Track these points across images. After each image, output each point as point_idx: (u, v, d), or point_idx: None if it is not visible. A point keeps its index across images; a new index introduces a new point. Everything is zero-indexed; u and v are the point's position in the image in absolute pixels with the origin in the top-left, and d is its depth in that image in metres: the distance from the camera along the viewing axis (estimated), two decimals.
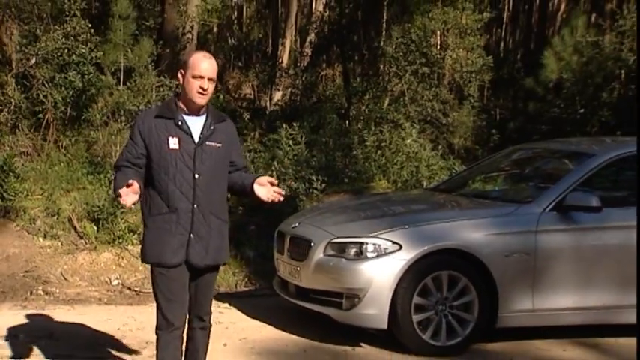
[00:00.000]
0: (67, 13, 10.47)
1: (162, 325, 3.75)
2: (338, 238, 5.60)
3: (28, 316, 6.02)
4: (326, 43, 17.59)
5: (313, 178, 9.66)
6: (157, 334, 3.79)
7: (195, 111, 3.76)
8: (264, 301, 6.27)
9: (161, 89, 10.34)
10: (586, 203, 5.71)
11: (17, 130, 10.13)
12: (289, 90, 16.35)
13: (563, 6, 21.69)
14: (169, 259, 3.70)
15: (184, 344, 3.88)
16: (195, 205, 3.69)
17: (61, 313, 6.17)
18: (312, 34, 17.08)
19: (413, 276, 5.36)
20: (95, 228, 7.94)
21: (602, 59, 13.89)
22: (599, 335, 5.92)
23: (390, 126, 12.03)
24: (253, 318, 6.01)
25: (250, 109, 15.20)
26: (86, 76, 10.15)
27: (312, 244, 5.64)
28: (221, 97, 14.64)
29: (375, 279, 5.33)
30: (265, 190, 3.81)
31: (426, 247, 5.41)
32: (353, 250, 5.48)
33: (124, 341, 5.44)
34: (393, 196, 8.19)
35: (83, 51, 10.14)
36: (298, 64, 17.19)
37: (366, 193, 9.75)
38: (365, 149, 11.22)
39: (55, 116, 10.24)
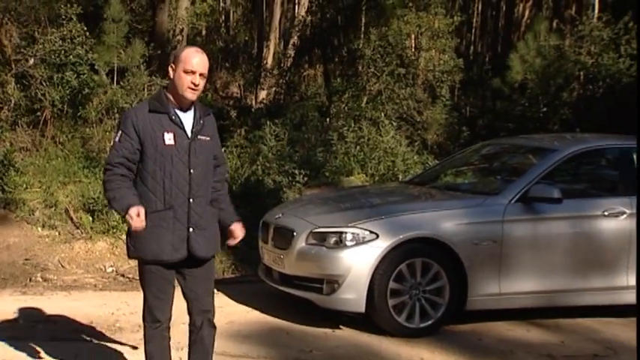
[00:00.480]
0: (64, 16, 10.47)
1: (148, 319, 3.58)
2: (319, 228, 5.59)
3: (28, 301, 5.98)
4: (308, 45, 17.57)
5: (296, 171, 9.65)
6: (144, 324, 3.63)
7: (186, 106, 3.53)
8: (249, 287, 6.25)
9: (152, 88, 10.33)
10: (548, 195, 5.74)
11: (17, 127, 10.11)
12: (273, 89, 16.34)
13: (527, 12, 21.84)
14: (170, 256, 3.46)
15: (190, 346, 3.68)
16: (190, 199, 3.48)
17: (59, 299, 6.14)
18: (295, 37, 17.04)
19: (389, 263, 5.37)
20: (90, 218, 7.93)
21: (563, 62, 13.98)
22: (560, 316, 5.96)
23: (368, 123, 12.02)
24: (239, 303, 5.99)
25: (237, 107, 15.19)
26: (82, 76, 10.14)
27: (294, 233, 5.63)
28: (209, 95, 14.59)
29: (353, 266, 5.34)
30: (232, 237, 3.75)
31: (401, 236, 5.42)
32: (333, 239, 5.47)
33: (118, 325, 5.41)
34: (370, 188, 8.19)
35: (79, 52, 10.14)
36: (282, 65, 17.15)
37: (346, 185, 9.76)
38: (344, 145, 11.22)
39: (53, 114, 10.24)
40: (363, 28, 16.01)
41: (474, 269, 5.52)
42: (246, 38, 22.29)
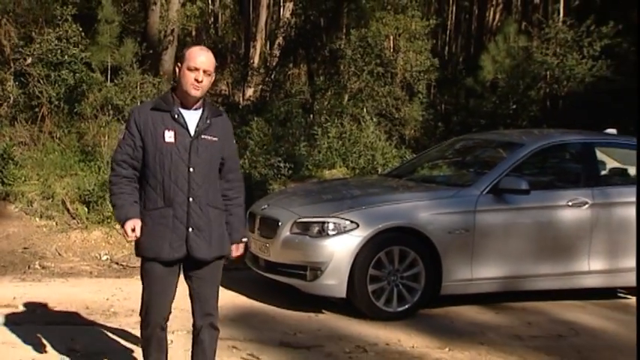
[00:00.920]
0: (60, 17, 10.48)
1: (145, 317, 3.40)
2: (303, 218, 5.58)
3: (27, 287, 5.94)
4: (292, 46, 17.49)
5: (281, 165, 9.65)
6: (141, 323, 3.45)
7: (190, 104, 3.32)
8: (237, 274, 6.23)
9: (145, 86, 10.33)
10: (517, 186, 5.77)
11: (16, 123, 10.09)
12: (260, 87, 16.28)
13: (497, 16, 21.89)
14: (168, 255, 3.28)
15: (192, 347, 3.50)
16: (190, 198, 3.27)
17: (56, 285, 6.10)
18: (280, 38, 16.98)
19: (368, 251, 5.38)
20: (86, 209, 7.90)
21: (531, 62, 14.05)
22: (527, 300, 6.01)
23: (349, 119, 12.04)
24: (228, 289, 5.96)
25: (225, 104, 15.13)
26: (77, 74, 10.15)
27: (279, 223, 5.62)
28: None
29: (335, 254, 5.34)
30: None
31: (380, 226, 5.43)
32: (316, 229, 5.47)
33: (112, 309, 5.38)
34: (351, 180, 8.19)
35: (74, 52, 10.13)
36: (268, 64, 17.09)
37: (328, 178, 9.76)
38: (327, 139, 11.22)
39: (50, 110, 10.23)
40: (344, 30, 16.00)
41: (448, 256, 5.55)
42: (234, 39, 22.19)
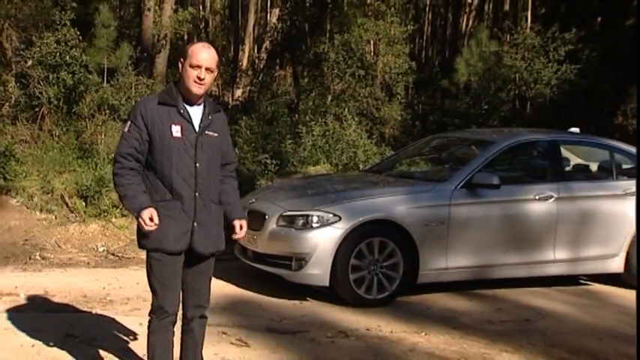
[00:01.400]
0: (59, 22, 10.35)
1: (157, 311, 3.18)
2: (288, 211, 5.56)
3: (27, 277, 5.90)
4: (279, 49, 17.45)
5: (268, 161, 9.61)
6: (150, 317, 3.24)
7: (194, 100, 3.16)
8: (226, 264, 6.19)
9: (139, 87, 10.28)
10: (489, 181, 5.79)
11: (17, 122, 10.00)
12: (248, 88, 16.24)
13: (470, 22, 21.97)
14: (172, 246, 3.12)
15: (182, 336, 3.35)
16: (197, 193, 3.13)
17: (55, 275, 6.05)
18: (267, 42, 16.93)
19: (350, 242, 5.37)
20: (84, 203, 7.84)
21: (501, 65, 14.11)
22: (498, 287, 6.04)
23: (332, 118, 11.99)
24: (217, 278, 5.89)
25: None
26: (75, 76, 10.04)
27: (266, 216, 5.60)
28: None
29: (318, 245, 5.33)
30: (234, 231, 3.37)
31: (361, 219, 5.42)
32: (301, 221, 5.45)
33: (109, 298, 5.34)
34: (334, 176, 8.19)
35: (73, 54, 10.05)
36: (255, 66, 17.04)
37: (312, 174, 9.74)
38: (311, 137, 11.18)
39: (49, 110, 10.14)
40: (327, 35, 15.94)
41: (425, 247, 5.56)
42: (224, 43, 22.09)
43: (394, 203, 5.61)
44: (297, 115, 13.02)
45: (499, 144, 6.26)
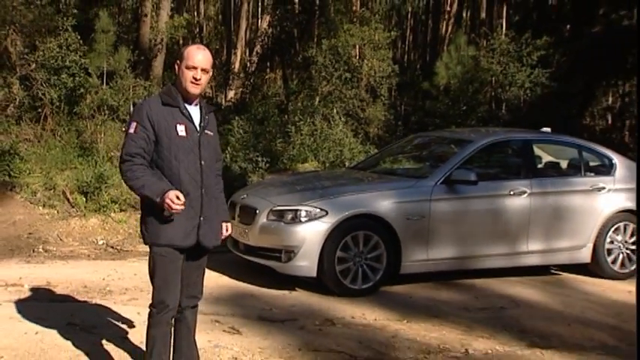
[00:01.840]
0: (60, 28, 10.37)
1: (158, 305, 3.11)
2: (278, 206, 5.54)
3: (31, 268, 5.85)
4: (269, 53, 17.42)
5: (259, 159, 9.58)
6: (150, 311, 3.15)
7: (191, 100, 3.12)
8: (220, 256, 6.16)
9: (137, 89, 10.24)
10: (466, 178, 5.80)
11: (21, 122, 9.98)
12: (240, 90, 16.19)
13: (450, 28, 22.03)
14: (182, 242, 3.05)
15: (175, 324, 3.27)
16: (203, 190, 3.10)
17: (58, 267, 6.00)
18: (258, 46, 16.88)
19: (336, 235, 5.36)
20: (84, 199, 7.78)
21: (478, 69, 14.16)
22: (475, 277, 6.06)
23: (320, 118, 11.99)
24: (211, 270, 5.85)
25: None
26: (76, 78, 10.05)
27: (257, 211, 5.57)
28: None
29: (307, 238, 5.31)
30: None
31: (346, 213, 5.41)
32: (290, 216, 5.43)
33: (108, 288, 5.30)
34: (321, 173, 8.17)
35: (74, 58, 10.03)
36: (247, 69, 16.98)
37: (301, 171, 9.73)
38: (300, 137, 11.18)
39: (52, 110, 10.13)
40: (315, 40, 15.92)
41: (407, 240, 5.55)
42: (217, 47, 21.98)
43: (378, 198, 5.60)
44: (286, 116, 12.99)
45: (476, 143, 6.27)
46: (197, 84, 3.08)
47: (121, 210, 7.59)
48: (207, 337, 4.12)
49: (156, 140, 3.05)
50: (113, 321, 4.44)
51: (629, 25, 16.43)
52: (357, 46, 14.80)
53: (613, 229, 6.33)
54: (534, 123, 9.56)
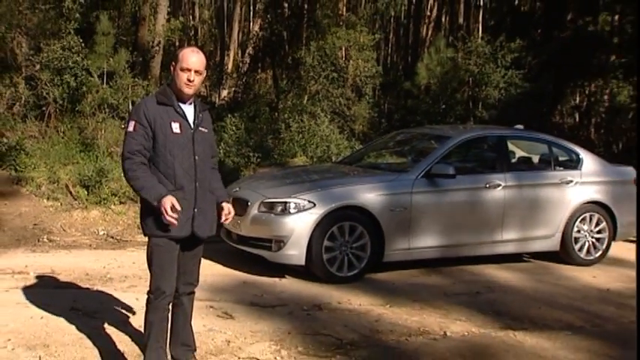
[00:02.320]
0: (64, 31, 10.25)
1: (155, 292, 3.11)
2: (268, 198, 5.52)
3: (36, 257, 5.82)
4: (260, 55, 17.34)
5: (250, 154, 9.55)
6: (148, 297, 3.15)
7: (185, 99, 3.12)
8: (213, 246, 6.09)
9: (135, 88, 10.17)
10: (445, 172, 5.81)
11: (26, 119, 9.87)
12: (233, 89, 16.09)
13: (430, 32, 22.03)
14: (177, 232, 3.05)
15: (173, 309, 3.27)
16: (197, 183, 3.10)
17: (61, 256, 5.96)
18: (250, 48, 16.76)
19: (323, 226, 5.35)
20: (86, 192, 7.72)
21: (457, 70, 14.19)
22: (453, 265, 6.09)
23: (308, 116, 11.95)
24: (206, 259, 5.82)
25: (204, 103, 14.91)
26: (78, 78, 9.98)
27: (249, 203, 5.55)
28: None
29: (295, 228, 5.30)
30: (222, 214, 3.28)
31: (333, 205, 5.40)
32: (279, 208, 5.42)
33: (108, 276, 5.27)
34: (309, 167, 8.16)
35: (76, 59, 9.95)
36: (240, 69, 16.87)
37: (290, 165, 9.71)
38: (290, 133, 11.14)
39: (55, 108, 10.07)
40: (304, 42, 15.84)
41: (390, 230, 5.56)
42: (211, 48, 21.86)
43: (363, 191, 5.59)
44: (276, 113, 12.95)
45: (454, 139, 6.28)
46: (191, 85, 3.07)
47: (121, 202, 7.54)
48: (202, 321, 4.11)
49: (153, 137, 3.05)
50: (113, 306, 4.43)
51: (594, 31, 16.61)
52: (344, 48, 14.75)
53: (580, 219, 6.39)
54: (508, 120, 9.62)
